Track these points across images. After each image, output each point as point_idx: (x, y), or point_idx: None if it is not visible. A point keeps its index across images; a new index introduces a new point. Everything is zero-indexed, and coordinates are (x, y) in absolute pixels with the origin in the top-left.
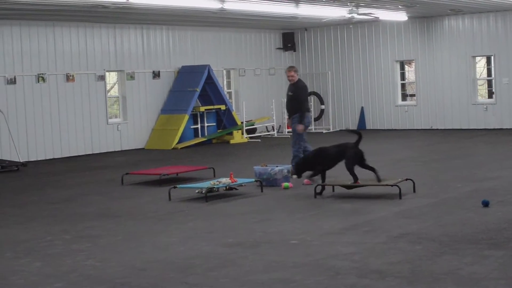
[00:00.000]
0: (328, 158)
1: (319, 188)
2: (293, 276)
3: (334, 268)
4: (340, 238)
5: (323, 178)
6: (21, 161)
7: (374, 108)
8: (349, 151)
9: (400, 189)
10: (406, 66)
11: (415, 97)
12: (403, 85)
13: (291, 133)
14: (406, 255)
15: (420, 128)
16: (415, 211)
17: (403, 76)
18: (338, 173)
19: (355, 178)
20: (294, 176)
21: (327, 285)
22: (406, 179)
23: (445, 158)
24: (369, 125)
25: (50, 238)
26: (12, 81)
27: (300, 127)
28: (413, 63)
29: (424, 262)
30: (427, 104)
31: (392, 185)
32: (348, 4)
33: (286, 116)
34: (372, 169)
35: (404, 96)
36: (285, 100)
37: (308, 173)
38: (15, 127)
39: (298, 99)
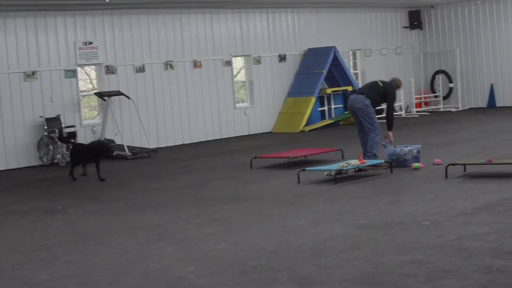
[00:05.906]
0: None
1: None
2: (426, 257)
3: (468, 249)
4: (473, 218)
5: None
6: (151, 147)
7: (505, 85)
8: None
9: None
10: None
11: None
12: None
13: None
14: None
15: None
16: None
17: None
18: (470, 152)
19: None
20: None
21: (461, 266)
22: None
23: None
24: (499, 102)
25: (182, 223)
26: (141, 69)
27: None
28: None
29: None
30: None
31: None
32: None
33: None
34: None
35: None
36: (367, 84)
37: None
38: (145, 114)
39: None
